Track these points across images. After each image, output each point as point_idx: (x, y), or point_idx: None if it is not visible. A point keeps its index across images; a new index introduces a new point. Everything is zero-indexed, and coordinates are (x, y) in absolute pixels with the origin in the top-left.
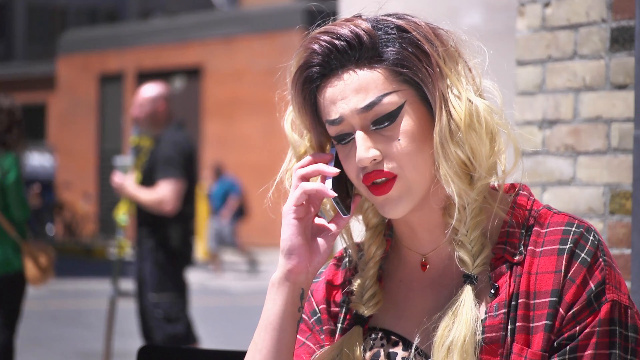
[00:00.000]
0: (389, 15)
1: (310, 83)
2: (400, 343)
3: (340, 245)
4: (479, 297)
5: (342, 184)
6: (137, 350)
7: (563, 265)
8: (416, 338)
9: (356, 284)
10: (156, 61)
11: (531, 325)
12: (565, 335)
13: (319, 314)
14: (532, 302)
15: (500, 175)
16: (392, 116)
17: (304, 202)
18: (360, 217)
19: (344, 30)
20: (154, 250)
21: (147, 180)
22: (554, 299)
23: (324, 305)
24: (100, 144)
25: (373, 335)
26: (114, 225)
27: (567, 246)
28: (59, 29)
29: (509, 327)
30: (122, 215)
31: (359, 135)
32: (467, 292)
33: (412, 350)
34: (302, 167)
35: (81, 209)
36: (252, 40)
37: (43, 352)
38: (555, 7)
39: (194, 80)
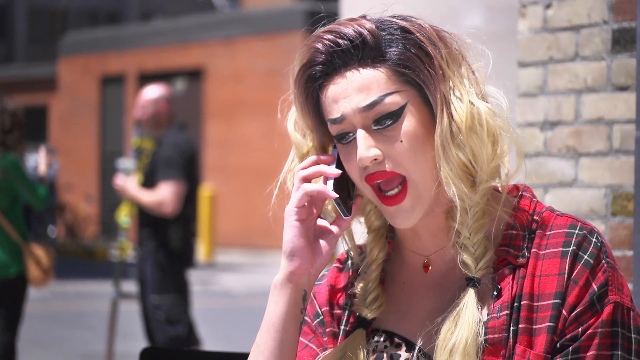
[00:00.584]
0: (394, 16)
1: (313, 82)
2: (404, 345)
3: (342, 247)
4: (481, 299)
5: (343, 185)
6: (139, 352)
7: (566, 268)
8: (419, 340)
9: (359, 286)
10: (157, 63)
11: (534, 327)
12: (568, 336)
13: (322, 317)
14: (535, 304)
15: (503, 178)
16: (394, 116)
17: (305, 204)
18: (362, 219)
19: (348, 30)
20: (154, 252)
21: (149, 181)
22: (557, 301)
23: (327, 308)
24: (101, 145)
25: (376, 338)
26: (115, 227)
27: (570, 248)
28: (60, 30)
29: (512, 328)
30: (124, 217)
31: (360, 134)
32: (470, 294)
33: (415, 352)
34: (303, 168)
35: (83, 211)
36: (253, 42)
37: (45, 354)
38: (557, 9)
39: (195, 81)
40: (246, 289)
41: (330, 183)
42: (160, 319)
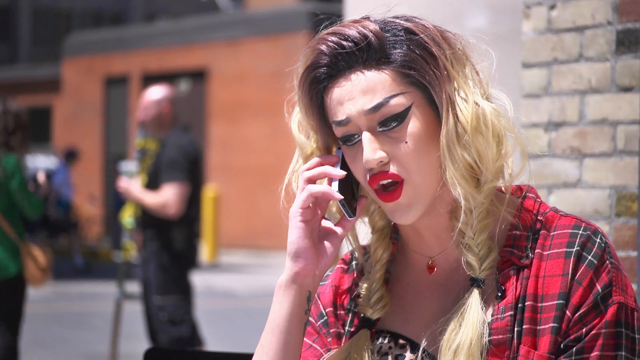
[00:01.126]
0: (397, 17)
1: (318, 84)
2: (408, 346)
3: (346, 248)
4: (486, 300)
5: (348, 186)
6: (143, 353)
7: (570, 268)
8: (423, 341)
9: (363, 286)
10: (161, 64)
11: (538, 327)
12: (572, 336)
13: (326, 317)
14: (539, 304)
15: (508, 179)
16: (400, 118)
17: (310, 205)
18: (366, 219)
19: (352, 32)
20: (158, 253)
21: (153, 183)
22: (561, 301)
23: (331, 309)
24: (105, 146)
25: (380, 339)
26: (119, 228)
27: (574, 249)
28: (64, 31)
29: (516, 329)
30: (128, 218)
31: (366, 137)
32: (474, 295)
33: (420, 353)
34: (308, 169)
35: (87, 212)
36: (257, 43)
37: (48, 354)
38: (561, 10)
39: (199, 82)
40: (250, 290)
41: (335, 184)
42: (164, 320)
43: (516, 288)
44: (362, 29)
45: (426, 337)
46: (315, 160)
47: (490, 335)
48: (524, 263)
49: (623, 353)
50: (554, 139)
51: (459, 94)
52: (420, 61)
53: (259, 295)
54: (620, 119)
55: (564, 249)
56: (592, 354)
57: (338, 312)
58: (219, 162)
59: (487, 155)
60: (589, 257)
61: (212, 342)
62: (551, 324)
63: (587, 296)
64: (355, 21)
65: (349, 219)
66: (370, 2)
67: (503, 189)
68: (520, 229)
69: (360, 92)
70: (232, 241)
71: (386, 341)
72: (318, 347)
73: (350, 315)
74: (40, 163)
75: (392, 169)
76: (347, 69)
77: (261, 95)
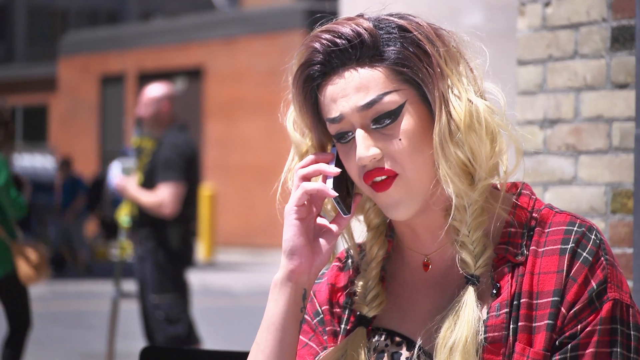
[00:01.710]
0: (391, 15)
1: (311, 81)
2: (404, 343)
3: (342, 245)
4: (481, 297)
5: (343, 183)
6: (139, 352)
7: (565, 265)
8: (419, 339)
9: (359, 284)
10: (157, 62)
11: (534, 324)
12: (567, 333)
13: (322, 315)
14: (534, 302)
15: (502, 176)
16: (393, 115)
17: (305, 203)
18: (361, 217)
19: (346, 29)
20: (154, 251)
21: (149, 182)
22: (556, 298)
23: (327, 306)
24: (101, 145)
25: (377, 337)
26: (116, 227)
27: (569, 246)
28: (59, 30)
29: (511, 326)
30: (124, 216)
31: (359, 134)
32: (469, 293)
33: (416, 351)
34: (303, 167)
35: None
36: (253, 41)
37: (45, 353)
38: (556, 7)
39: (195, 81)
40: (246, 288)
41: (330, 182)
42: (160, 319)
43: (511, 285)
44: (356, 27)
45: (422, 334)
46: (309, 158)
47: (485, 332)
48: (519, 260)
49: (618, 349)
50: (549, 136)
51: (452, 92)
52: (413, 59)
53: (255, 293)
54: (616, 115)
55: (559, 246)
56: (587, 351)
57: (334, 310)
58: (216, 161)
59: (481, 152)
60: (584, 254)
61: (209, 341)
62: (546, 321)
63: (582, 293)
64: (349, 19)
65: (344, 216)
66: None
67: (498, 186)
68: (515, 226)
69: (353, 89)
70: (229, 239)
71: (382, 339)
72: (314, 345)
73: (346, 313)
74: (37, 162)
75: (387, 165)
76: (340, 67)
77: (257, 94)
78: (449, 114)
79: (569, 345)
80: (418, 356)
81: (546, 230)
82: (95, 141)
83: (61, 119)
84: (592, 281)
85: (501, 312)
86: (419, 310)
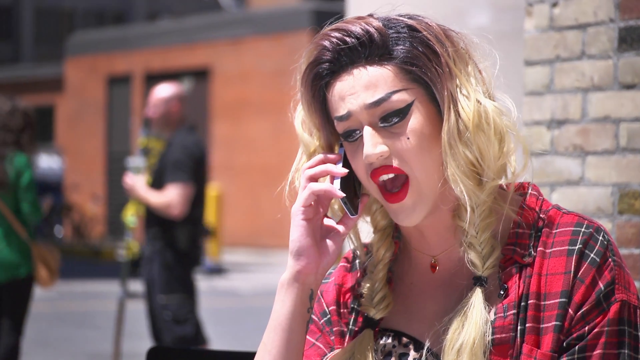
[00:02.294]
0: (401, 15)
1: (320, 80)
2: (412, 345)
3: (348, 246)
4: (488, 298)
5: (350, 184)
6: (146, 352)
7: (572, 266)
8: (427, 340)
9: (366, 286)
10: (164, 63)
11: (541, 326)
12: (574, 335)
13: (329, 316)
14: (542, 303)
15: (510, 177)
16: (401, 113)
17: (312, 203)
18: (368, 218)
19: (355, 28)
20: (162, 252)
21: (157, 182)
22: (563, 299)
23: (334, 307)
24: (108, 145)
25: (384, 338)
26: (122, 227)
27: (577, 247)
28: (66, 30)
29: (519, 328)
30: (131, 216)
31: (367, 131)
32: (477, 294)
33: (424, 352)
34: (310, 167)
35: (90, 211)
36: (259, 42)
37: (52, 353)
38: (563, 7)
39: (202, 81)
40: (253, 289)
41: (337, 182)
42: (168, 319)
43: (519, 286)
44: (366, 25)
45: (429, 336)
46: (317, 158)
47: (493, 334)
48: (526, 261)
49: (626, 351)
50: (557, 137)
51: (460, 91)
52: (422, 58)
53: (262, 294)
54: (623, 116)
55: (567, 247)
56: (594, 352)
57: (341, 310)
58: (222, 161)
59: (489, 153)
60: (592, 255)
61: (216, 341)
62: (554, 322)
63: (590, 294)
64: (359, 18)
65: (351, 217)
66: (372, 1)
67: (505, 186)
68: (522, 227)
69: (362, 87)
70: (235, 240)
71: (390, 340)
72: (321, 346)
73: (353, 314)
74: (43, 162)
75: (395, 163)
76: (349, 65)
77: (264, 94)
78: (457, 113)
79: (577, 347)
80: (426, 358)
81: (554, 231)
82: (101, 141)
83: (68, 119)
84: (599, 282)
85: (509, 313)
86: (426, 312)
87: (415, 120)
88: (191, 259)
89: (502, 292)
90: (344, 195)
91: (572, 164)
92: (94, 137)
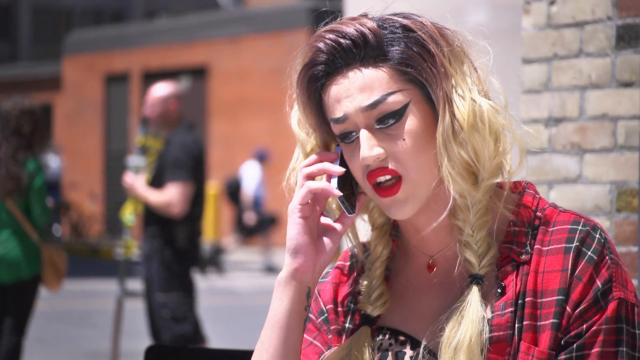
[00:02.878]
0: (395, 14)
1: (315, 81)
2: (409, 343)
3: (346, 244)
4: (485, 296)
5: (347, 182)
6: (144, 350)
7: (570, 264)
8: (424, 338)
9: (363, 284)
10: (162, 61)
11: (538, 323)
12: (572, 333)
13: (326, 314)
14: (539, 300)
15: (506, 175)
16: (397, 115)
17: (309, 201)
18: (365, 216)
19: (350, 29)
20: (161, 250)
21: (156, 181)
22: (560, 297)
23: (332, 305)
24: (106, 144)
25: (381, 336)
26: (120, 226)
27: (574, 245)
28: (64, 29)
29: (516, 325)
30: (129, 215)
31: (363, 134)
32: (474, 292)
33: (421, 350)
34: (307, 165)
35: (87, 209)
36: (257, 40)
37: (50, 352)
38: (561, 5)
39: (200, 80)
40: (251, 287)
41: (334, 181)
42: (166, 317)
43: (516, 284)
44: (360, 27)
45: (426, 334)
46: (314, 156)
47: (490, 332)
48: (523, 259)
49: (624, 349)
50: (554, 135)
51: (456, 91)
52: (417, 59)
53: (260, 292)
54: (621, 114)
55: (563, 245)
56: (592, 350)
57: (338, 309)
58: (220, 159)
59: (484, 152)
60: (589, 253)
61: (214, 339)
62: (551, 320)
63: (587, 292)
64: (353, 19)
65: (349, 215)
66: None
67: (501, 185)
68: (519, 225)
69: (357, 90)
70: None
71: (386, 338)
72: (319, 344)
73: (350, 312)
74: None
75: (391, 165)
76: (344, 67)
77: (262, 93)
78: (452, 113)
79: (575, 345)
80: (423, 355)
81: (550, 229)
82: (99, 140)
83: (66, 117)
84: (597, 280)
85: (506, 311)
86: (423, 310)
87: (411, 121)
88: (190, 257)
89: (499, 290)
90: (341, 193)
91: (569, 162)
92: (92, 136)
